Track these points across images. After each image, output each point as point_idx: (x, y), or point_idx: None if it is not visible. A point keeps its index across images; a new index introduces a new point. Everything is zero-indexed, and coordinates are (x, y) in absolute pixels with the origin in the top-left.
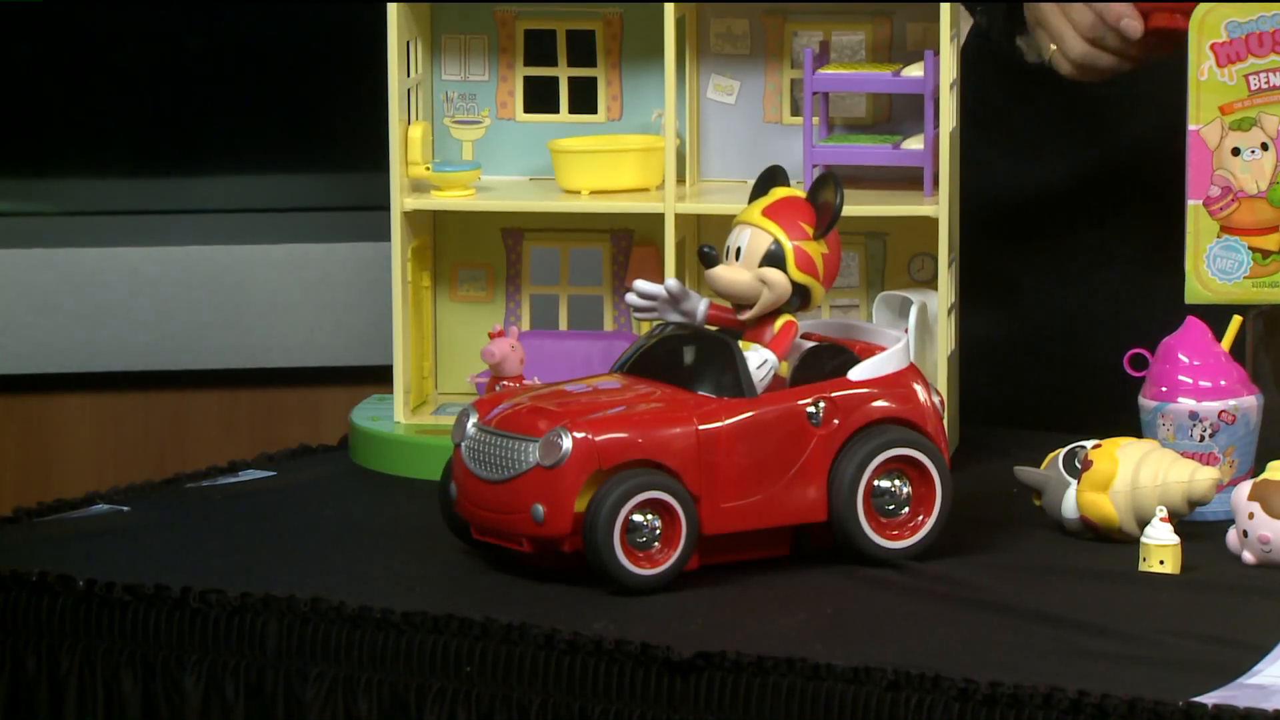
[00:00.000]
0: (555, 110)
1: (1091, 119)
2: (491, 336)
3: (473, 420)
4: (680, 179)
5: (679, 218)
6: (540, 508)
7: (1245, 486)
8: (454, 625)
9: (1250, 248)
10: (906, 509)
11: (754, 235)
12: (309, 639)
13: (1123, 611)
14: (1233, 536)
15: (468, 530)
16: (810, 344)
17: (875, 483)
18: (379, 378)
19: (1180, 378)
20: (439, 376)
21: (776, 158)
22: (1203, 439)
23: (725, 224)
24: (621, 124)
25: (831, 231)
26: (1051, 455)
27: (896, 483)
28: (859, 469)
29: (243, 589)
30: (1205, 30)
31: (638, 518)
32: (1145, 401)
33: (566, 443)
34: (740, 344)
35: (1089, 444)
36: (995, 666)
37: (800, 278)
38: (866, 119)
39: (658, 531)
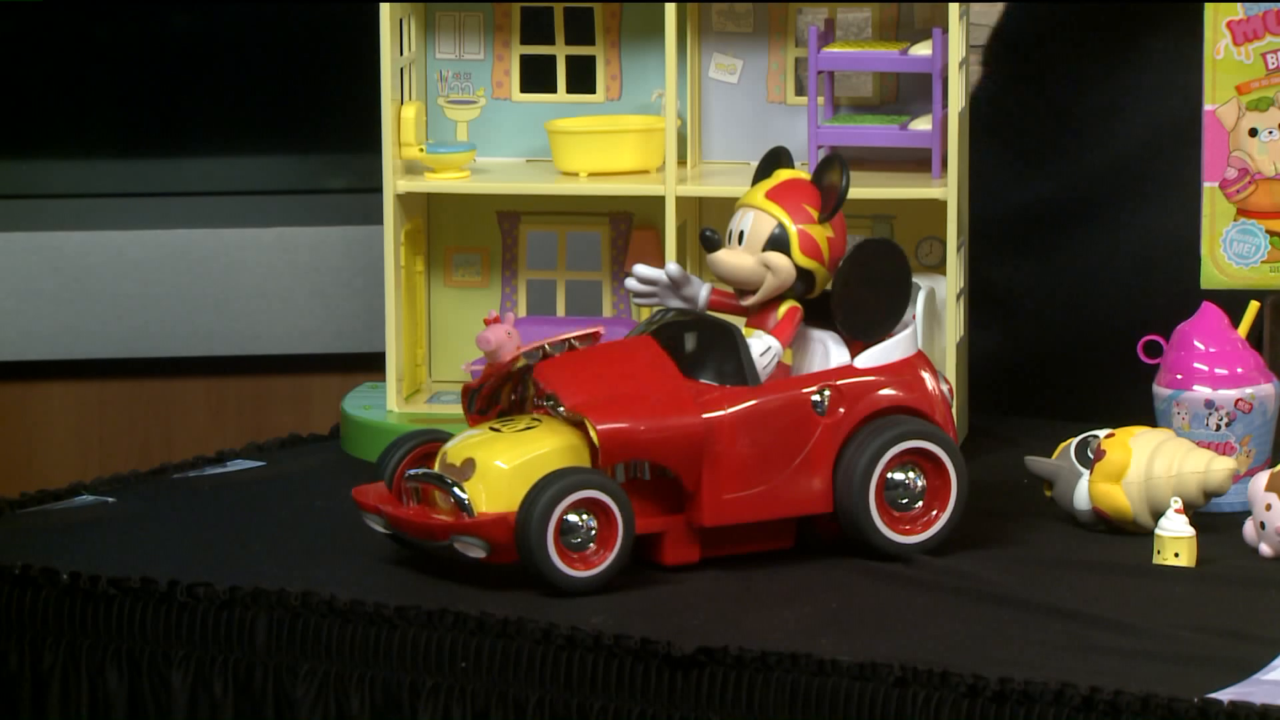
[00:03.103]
0: (552, 90)
1: (1102, 111)
2: (487, 323)
3: (377, 525)
4: (681, 161)
5: (680, 200)
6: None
7: (1263, 477)
8: (448, 619)
9: (1268, 231)
10: (920, 503)
11: (757, 219)
12: (299, 634)
13: (1136, 606)
14: (1249, 528)
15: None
16: (815, 330)
17: (889, 475)
18: (371, 365)
19: (1196, 365)
20: (433, 364)
21: (780, 139)
22: (1219, 428)
23: (727, 207)
24: (621, 104)
25: (837, 214)
26: (1063, 445)
27: (911, 475)
28: (871, 461)
29: (231, 583)
30: (1222, 8)
31: (572, 518)
32: (1160, 389)
33: (477, 549)
34: (743, 330)
35: (1101, 433)
36: (1005, 662)
37: (805, 262)
38: (873, 99)
39: (593, 532)
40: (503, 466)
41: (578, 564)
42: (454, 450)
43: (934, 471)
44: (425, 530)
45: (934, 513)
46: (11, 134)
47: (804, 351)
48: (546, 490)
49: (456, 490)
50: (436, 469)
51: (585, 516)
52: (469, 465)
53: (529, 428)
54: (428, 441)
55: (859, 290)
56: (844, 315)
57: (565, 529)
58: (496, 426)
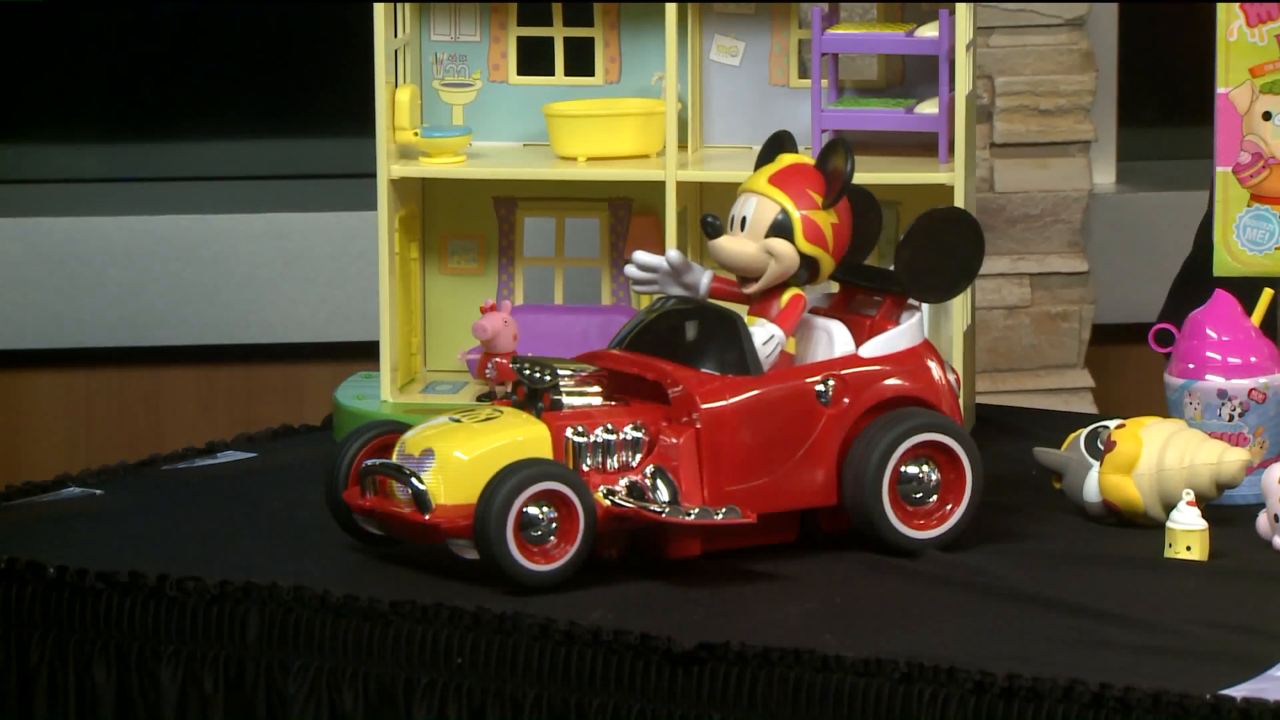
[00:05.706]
0: (550, 73)
1: None
2: (483, 311)
3: (370, 526)
4: (682, 145)
5: (680, 186)
6: None
7: (1276, 468)
8: (444, 615)
9: None
10: (934, 497)
11: (760, 204)
12: (291, 629)
13: (1147, 600)
14: (1263, 521)
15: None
16: (819, 319)
17: (902, 469)
18: (365, 354)
19: (1208, 354)
20: (428, 353)
21: (783, 123)
22: (1231, 418)
23: (729, 192)
24: (620, 87)
25: (841, 200)
26: (1073, 436)
27: (925, 469)
28: (885, 455)
29: (222, 577)
30: None
31: (532, 510)
32: (1171, 379)
33: (472, 551)
34: (746, 318)
35: (1112, 424)
36: (1013, 658)
37: (808, 249)
38: (878, 82)
39: (554, 525)
40: (462, 457)
41: (538, 558)
42: (412, 441)
43: (948, 465)
44: (419, 532)
45: (949, 507)
46: None
47: (807, 340)
48: (506, 482)
49: (414, 481)
50: (394, 460)
51: (546, 509)
52: (427, 455)
53: (490, 418)
54: (387, 433)
55: (926, 255)
56: (907, 277)
57: (525, 522)
58: (457, 417)
